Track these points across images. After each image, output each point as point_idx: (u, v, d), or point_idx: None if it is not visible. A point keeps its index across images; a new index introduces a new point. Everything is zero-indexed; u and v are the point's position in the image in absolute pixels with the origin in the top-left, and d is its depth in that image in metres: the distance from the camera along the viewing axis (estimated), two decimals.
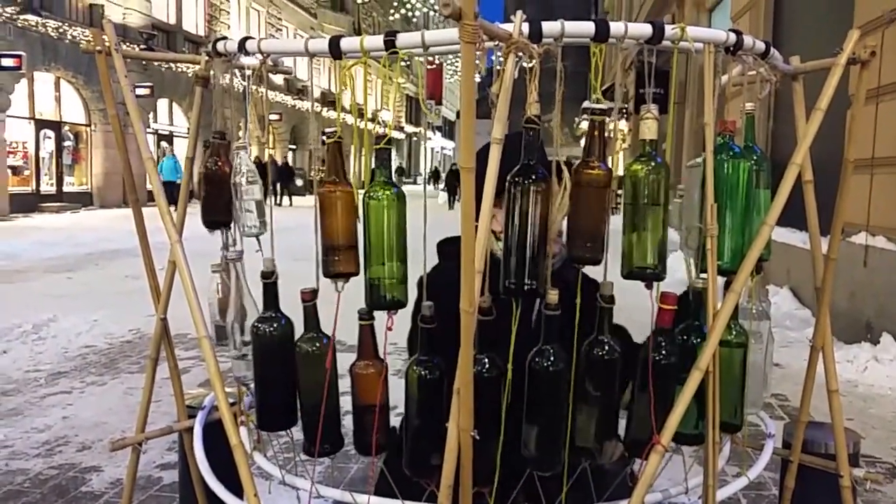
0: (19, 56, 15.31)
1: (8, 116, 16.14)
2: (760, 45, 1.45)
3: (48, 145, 18.58)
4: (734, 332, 1.46)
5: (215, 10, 25.21)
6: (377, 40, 1.20)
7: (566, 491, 1.32)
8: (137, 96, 17.76)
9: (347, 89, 1.23)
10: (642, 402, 1.33)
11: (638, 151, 1.28)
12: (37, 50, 16.51)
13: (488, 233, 1.12)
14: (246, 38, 1.34)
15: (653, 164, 1.27)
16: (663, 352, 1.33)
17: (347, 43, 1.22)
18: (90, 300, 7.16)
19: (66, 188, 19.07)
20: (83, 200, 19.18)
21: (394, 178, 1.24)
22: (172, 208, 1.58)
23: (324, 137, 1.25)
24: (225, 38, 1.43)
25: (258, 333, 1.39)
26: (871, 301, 5.50)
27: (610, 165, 1.25)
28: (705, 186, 1.33)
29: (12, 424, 3.79)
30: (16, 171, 17.55)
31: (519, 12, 1.10)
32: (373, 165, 1.24)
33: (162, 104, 22.91)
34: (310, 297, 1.33)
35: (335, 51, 1.23)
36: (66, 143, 19.24)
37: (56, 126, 18.66)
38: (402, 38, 1.19)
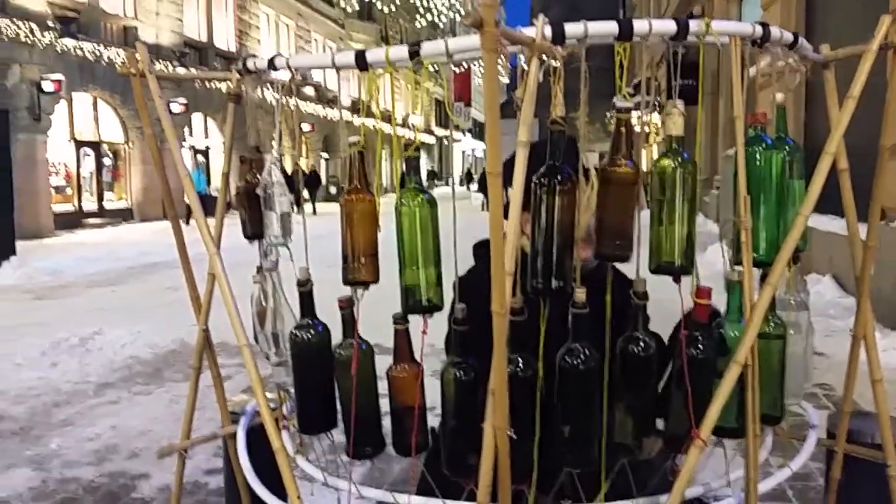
0: (59, 80, 15.77)
1: (49, 138, 16.60)
2: (788, 36, 1.43)
3: (88, 164, 19.08)
4: (772, 324, 1.45)
5: (245, 26, 25.61)
6: (402, 51, 1.22)
7: (606, 487, 1.32)
8: (172, 113, 18.15)
9: (373, 99, 1.26)
10: (679, 397, 1.33)
11: (665, 147, 1.28)
12: (74, 72, 16.96)
13: (518, 237, 1.13)
14: (275, 56, 1.37)
15: (679, 159, 1.27)
16: (700, 346, 1.33)
17: (373, 55, 1.25)
18: (133, 313, 7.34)
19: (106, 204, 19.57)
20: (124, 215, 19.65)
21: (425, 183, 1.26)
22: (210, 220, 1.62)
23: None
24: (254, 55, 1.46)
25: (296, 340, 1.42)
26: None
27: (636, 162, 1.25)
28: (737, 179, 1.32)
29: (64, 434, 3.92)
30: (58, 189, 18.04)
31: (541, 16, 1.11)
32: (403, 172, 1.27)
33: (197, 119, 23.34)
34: (346, 305, 1.35)
35: (361, 63, 1.25)
36: (106, 161, 19.74)
37: (95, 145, 19.15)
38: (427, 48, 1.21)
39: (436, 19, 37.11)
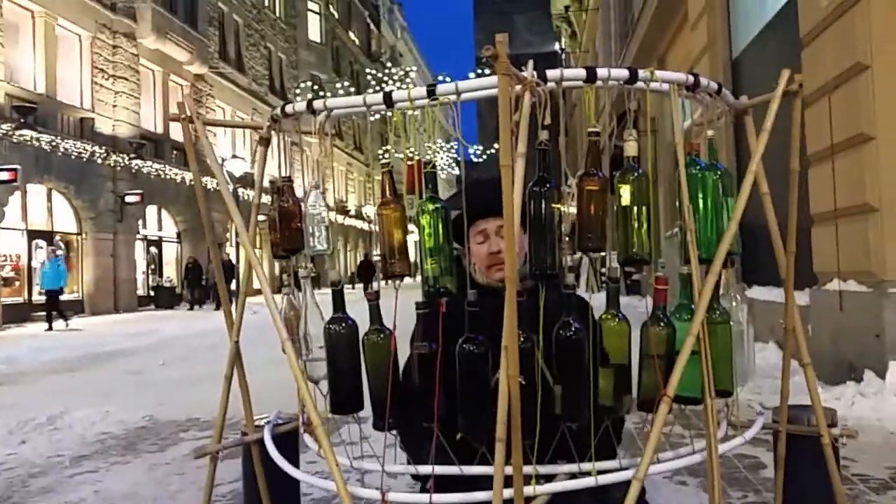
0: (15, 170, 15.83)
1: (2, 228, 16.47)
2: (714, 85, 1.84)
3: (40, 255, 18.85)
4: (717, 313, 1.79)
5: None
6: (421, 91, 1.57)
7: (594, 444, 1.60)
8: (127, 203, 18.07)
9: (401, 137, 1.60)
10: (649, 366, 1.64)
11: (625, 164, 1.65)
12: (30, 162, 17.06)
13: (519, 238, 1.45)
14: (312, 100, 1.71)
15: (636, 174, 1.64)
16: (661, 323, 1.65)
17: (397, 95, 1.60)
18: (98, 395, 7.29)
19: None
20: (74, 308, 19.29)
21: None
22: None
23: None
24: (291, 102, 1.80)
25: (330, 332, 1.69)
26: (852, 342, 5.82)
27: (604, 175, 1.61)
28: (681, 191, 1.68)
29: (47, 500, 3.93)
30: (7, 282, 17.72)
31: (530, 62, 1.48)
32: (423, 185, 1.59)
33: (151, 210, 23.43)
34: (374, 297, 1.64)
35: (388, 102, 1.60)
36: (59, 252, 19.55)
37: (48, 236, 19.00)
38: (440, 88, 1.57)
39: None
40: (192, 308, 22.10)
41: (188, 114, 1.88)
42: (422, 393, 1.60)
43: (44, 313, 16.48)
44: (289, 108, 1.80)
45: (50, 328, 15.92)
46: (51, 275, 16.32)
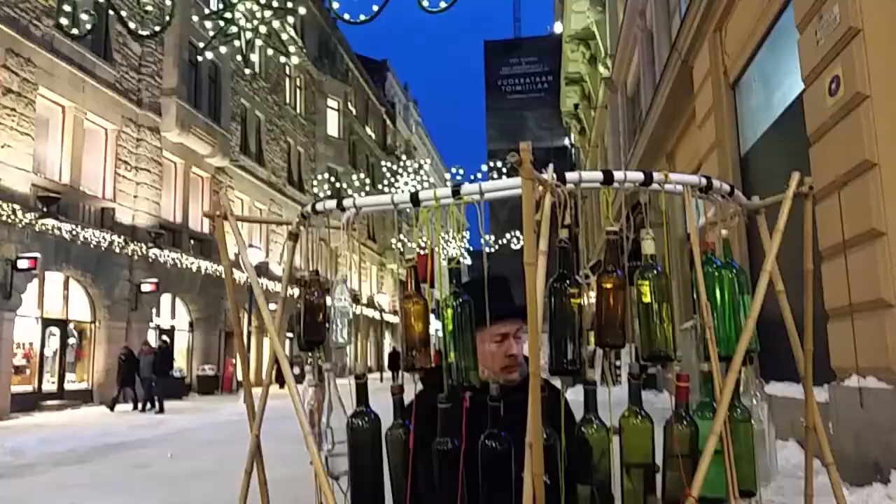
0: (35, 258, 16.10)
1: (17, 316, 16.58)
2: (726, 187, 1.91)
3: (53, 343, 18.89)
4: (738, 411, 1.79)
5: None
6: (446, 191, 1.65)
7: None
8: (142, 292, 18.23)
9: (425, 231, 1.67)
10: (672, 465, 1.63)
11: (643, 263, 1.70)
12: (50, 251, 17.36)
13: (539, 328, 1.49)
14: (343, 198, 1.79)
15: (654, 272, 1.68)
16: (684, 422, 1.65)
17: (424, 195, 1.67)
18: (107, 488, 7.17)
19: (67, 385, 19.10)
20: (83, 397, 19.17)
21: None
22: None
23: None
24: (321, 199, 1.88)
25: (353, 427, 1.70)
26: (875, 441, 5.67)
27: (624, 272, 1.65)
28: (698, 289, 1.72)
29: None
30: (18, 370, 17.68)
31: (550, 165, 1.56)
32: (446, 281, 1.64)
33: (165, 299, 23.59)
34: (398, 391, 1.66)
35: (415, 201, 1.67)
36: (71, 341, 19.58)
37: (62, 324, 19.09)
38: (465, 188, 1.64)
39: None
40: (112, 407, 17.82)
41: (223, 210, 1.97)
42: (442, 490, 1.60)
43: (53, 402, 16.42)
44: (319, 206, 1.88)
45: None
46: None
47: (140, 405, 18.21)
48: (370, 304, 46.00)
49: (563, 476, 1.54)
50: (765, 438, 1.88)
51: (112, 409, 17.72)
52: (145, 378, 18.08)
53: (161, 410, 17.32)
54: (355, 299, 40.66)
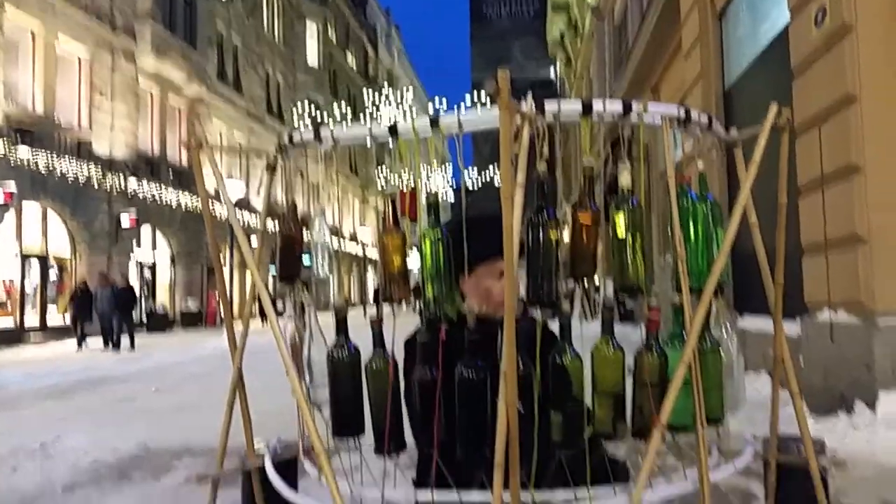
0: (11, 193, 15.86)
1: None
2: (704, 119, 1.91)
3: (33, 277, 18.79)
4: (708, 342, 1.83)
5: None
6: (424, 122, 1.63)
7: (589, 472, 1.63)
8: (122, 226, 17.74)
9: (405, 162, 1.65)
10: (643, 394, 1.68)
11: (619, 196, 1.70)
12: (26, 184, 17.08)
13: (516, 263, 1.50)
14: (319, 127, 1.76)
15: (630, 204, 1.69)
16: (654, 352, 1.69)
17: (402, 126, 1.66)
18: (91, 421, 7.24)
19: (49, 320, 19.11)
20: (67, 331, 19.21)
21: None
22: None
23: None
24: (298, 129, 1.85)
25: (333, 359, 1.73)
26: (843, 374, 5.86)
27: (598, 206, 1.66)
28: (672, 222, 1.74)
29: None
30: None
31: (529, 95, 1.54)
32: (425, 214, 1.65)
33: (146, 231, 23.41)
34: (377, 323, 1.68)
35: (393, 132, 1.66)
36: (51, 275, 19.48)
37: (42, 258, 18.95)
38: (443, 120, 1.63)
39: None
40: (79, 346, 16.53)
41: (197, 140, 1.93)
42: (422, 419, 1.64)
43: (35, 337, 16.40)
44: (296, 137, 1.86)
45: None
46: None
47: (101, 342, 16.58)
48: (353, 238, 46.00)
49: (538, 404, 1.58)
50: (733, 369, 1.93)
51: (80, 346, 16.44)
52: (103, 314, 16.40)
53: (132, 348, 16.21)
54: (335, 233, 40.65)
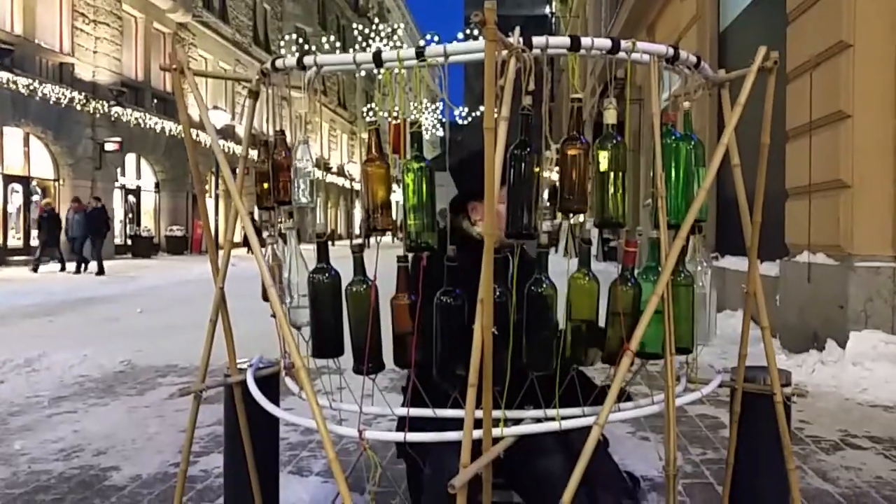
0: None
1: None
2: (693, 58, 1.91)
3: (16, 200, 18.63)
4: (682, 275, 1.89)
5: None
6: (410, 52, 1.63)
7: (559, 393, 1.70)
8: (106, 151, 17.57)
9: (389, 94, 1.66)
10: (615, 323, 1.74)
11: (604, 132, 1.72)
12: (7, 106, 16.73)
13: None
14: (303, 55, 1.75)
15: (614, 140, 1.71)
16: (628, 283, 1.75)
17: (387, 55, 1.65)
18: (76, 339, 7.34)
19: (33, 242, 19.03)
20: (51, 253, 19.15)
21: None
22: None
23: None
24: (280, 56, 1.84)
25: (314, 282, 1.77)
26: (817, 313, 6.03)
27: (587, 139, 1.68)
28: (655, 159, 1.77)
29: (26, 437, 4.01)
30: None
31: (517, 28, 1.54)
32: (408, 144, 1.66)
33: (130, 159, 23.14)
34: (358, 250, 1.72)
35: (377, 61, 1.65)
36: (34, 198, 19.31)
37: (24, 181, 18.74)
38: (429, 50, 1.62)
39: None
40: (35, 269, 16.27)
41: (179, 64, 1.92)
42: (400, 342, 1.69)
43: (19, 258, 16.31)
44: (279, 63, 1.84)
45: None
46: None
47: (71, 266, 16.60)
48: (340, 172, 45.64)
49: (513, 329, 1.63)
50: (705, 303, 1.99)
51: (35, 270, 16.10)
52: (73, 238, 16.42)
53: (101, 272, 15.90)
54: (325, 167, 40.29)
